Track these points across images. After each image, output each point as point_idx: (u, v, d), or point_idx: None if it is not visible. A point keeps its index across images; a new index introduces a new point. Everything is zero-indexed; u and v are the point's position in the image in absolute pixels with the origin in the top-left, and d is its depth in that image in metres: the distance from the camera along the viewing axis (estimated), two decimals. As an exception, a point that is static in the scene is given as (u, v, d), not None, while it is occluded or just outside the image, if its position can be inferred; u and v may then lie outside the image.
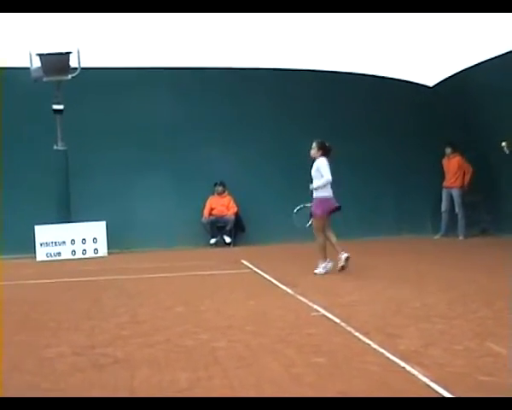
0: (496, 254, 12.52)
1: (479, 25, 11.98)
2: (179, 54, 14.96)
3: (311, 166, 10.24)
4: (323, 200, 10.03)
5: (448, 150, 15.86)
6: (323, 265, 9.98)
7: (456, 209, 15.68)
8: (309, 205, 10.29)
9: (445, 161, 15.97)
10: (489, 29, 12.28)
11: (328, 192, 10.06)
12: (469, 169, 15.58)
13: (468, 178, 15.62)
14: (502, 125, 14.62)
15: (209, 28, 12.91)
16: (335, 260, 10.07)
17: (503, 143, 13.71)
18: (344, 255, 9.89)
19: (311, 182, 10.17)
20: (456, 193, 15.73)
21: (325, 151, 10.19)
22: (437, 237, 15.84)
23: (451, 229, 15.74)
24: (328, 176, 9.93)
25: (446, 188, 15.92)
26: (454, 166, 15.76)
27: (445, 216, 15.95)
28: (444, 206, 15.93)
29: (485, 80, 14.53)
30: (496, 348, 5.33)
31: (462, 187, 15.71)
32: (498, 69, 14.08)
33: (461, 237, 15.47)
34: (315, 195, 10.10)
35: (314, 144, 10.25)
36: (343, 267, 9.88)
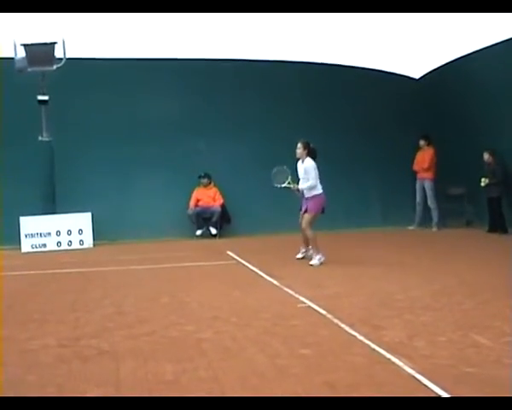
0: (479, 246, 12.62)
1: (465, 18, 12.02)
2: (167, 45, 14.88)
3: (296, 164, 10.52)
4: (320, 197, 10.32)
5: (422, 142, 16.05)
6: (318, 256, 10.11)
7: (429, 201, 15.84)
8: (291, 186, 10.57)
9: (418, 153, 16.14)
10: (475, 22, 12.33)
11: (321, 189, 10.34)
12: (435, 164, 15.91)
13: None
14: (486, 118, 14.68)
15: (199, 20, 12.85)
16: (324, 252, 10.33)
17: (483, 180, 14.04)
18: (301, 255, 10.81)
19: (297, 182, 10.48)
20: (428, 185, 15.92)
21: (310, 151, 10.38)
22: (411, 227, 15.98)
23: (427, 220, 15.88)
24: (313, 181, 10.22)
25: (419, 180, 16.13)
26: (427, 159, 15.95)
27: (419, 208, 16.13)
28: (418, 197, 16.12)
29: (472, 73, 14.60)
30: (479, 340, 5.37)
31: (433, 179, 15.87)
32: (484, 62, 14.14)
33: (434, 229, 15.60)
34: (309, 193, 10.30)
35: (299, 144, 10.44)
36: (298, 259, 10.75)
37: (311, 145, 10.44)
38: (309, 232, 10.25)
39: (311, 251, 10.64)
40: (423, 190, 15.99)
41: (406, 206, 16.27)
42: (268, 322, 6.25)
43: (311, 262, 10.10)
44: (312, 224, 10.28)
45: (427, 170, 15.90)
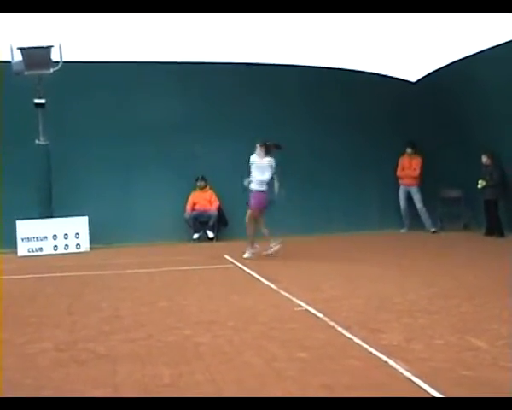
0: (476, 249, 12.62)
1: (463, 20, 12.01)
2: (165, 48, 14.82)
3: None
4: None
5: (409, 150, 16.10)
6: (251, 250, 11.37)
7: (418, 205, 15.86)
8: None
9: (405, 159, 16.17)
10: (473, 24, 12.32)
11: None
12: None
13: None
14: (484, 121, 14.69)
15: (198, 22, 12.80)
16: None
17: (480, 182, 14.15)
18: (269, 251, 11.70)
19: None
20: (415, 190, 15.98)
21: (267, 148, 11.81)
22: (403, 230, 16.05)
23: (417, 222, 15.93)
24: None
25: (404, 185, 16.17)
26: (416, 167, 16.00)
27: (405, 213, 16.19)
28: (402, 203, 16.19)
29: (469, 76, 14.61)
30: (476, 343, 5.37)
31: (419, 185, 15.96)
32: (482, 65, 14.14)
33: (433, 229, 15.59)
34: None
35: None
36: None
37: (268, 143, 11.86)
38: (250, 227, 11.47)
39: (272, 246, 11.58)
40: (408, 195, 16.05)
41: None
42: (265, 326, 6.25)
43: (244, 255, 11.34)
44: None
45: (416, 178, 15.95)
